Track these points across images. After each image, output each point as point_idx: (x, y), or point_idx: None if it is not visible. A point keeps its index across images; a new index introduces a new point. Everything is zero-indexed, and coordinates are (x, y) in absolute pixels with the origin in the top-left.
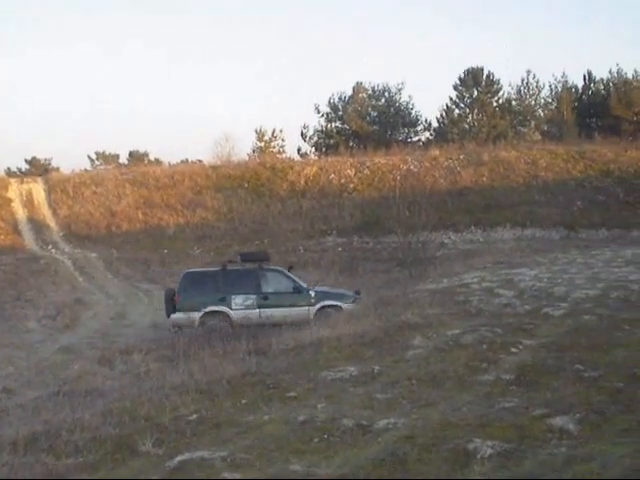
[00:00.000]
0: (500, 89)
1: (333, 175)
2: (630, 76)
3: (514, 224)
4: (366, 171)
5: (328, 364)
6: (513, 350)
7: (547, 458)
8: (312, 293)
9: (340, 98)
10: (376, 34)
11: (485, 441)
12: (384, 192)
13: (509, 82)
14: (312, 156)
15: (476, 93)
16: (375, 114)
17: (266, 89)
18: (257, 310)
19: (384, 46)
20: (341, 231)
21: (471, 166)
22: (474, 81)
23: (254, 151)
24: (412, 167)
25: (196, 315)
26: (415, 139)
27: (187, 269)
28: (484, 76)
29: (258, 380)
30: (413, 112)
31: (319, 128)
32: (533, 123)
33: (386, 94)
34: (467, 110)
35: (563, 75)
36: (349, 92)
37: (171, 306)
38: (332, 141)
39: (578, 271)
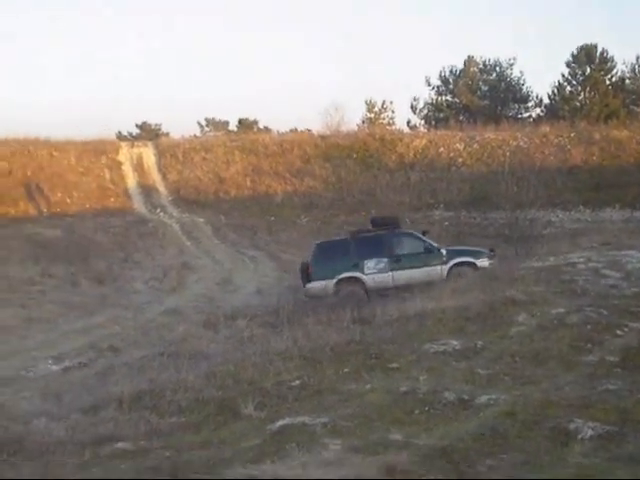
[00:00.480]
0: (614, 67)
1: (442, 148)
2: None
3: (623, 205)
4: (475, 146)
5: (431, 337)
6: (618, 332)
7: None
8: (444, 251)
9: (451, 71)
10: (488, 7)
11: (586, 422)
12: (493, 167)
13: (623, 60)
14: (421, 129)
15: (589, 70)
16: (486, 89)
17: (377, 60)
18: (390, 273)
19: (496, 20)
20: (448, 205)
21: (581, 144)
22: (587, 58)
23: (363, 122)
24: (522, 143)
25: (330, 283)
26: (525, 115)
27: (318, 241)
28: (598, 53)
29: (361, 349)
30: (524, 88)
31: (429, 101)
32: None
33: (497, 69)
34: (579, 88)
35: None
36: (460, 66)
37: (306, 277)
38: (442, 114)
39: None
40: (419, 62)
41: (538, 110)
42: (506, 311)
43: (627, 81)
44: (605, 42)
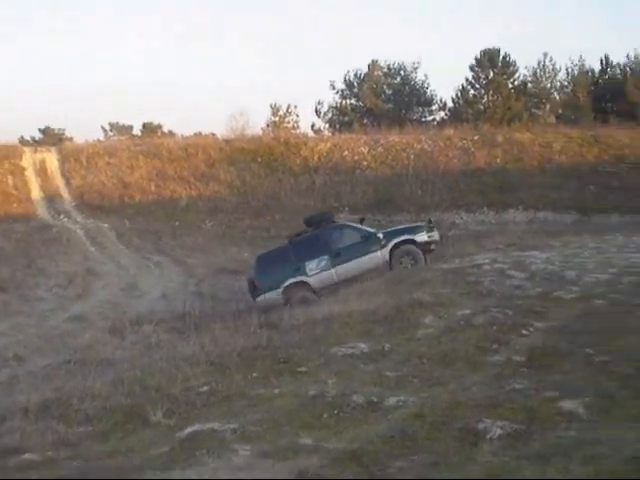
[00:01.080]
0: (516, 71)
1: (346, 152)
2: None
3: (527, 206)
4: (380, 149)
5: (339, 340)
6: (524, 332)
7: (555, 440)
8: (380, 236)
9: (355, 75)
10: (393, 11)
11: (495, 421)
12: (397, 170)
13: (525, 64)
14: (326, 132)
15: (492, 74)
16: (390, 92)
17: (281, 65)
18: (333, 270)
19: (401, 24)
20: (353, 208)
21: (485, 147)
22: (490, 62)
23: (268, 126)
24: (426, 146)
25: (277, 292)
26: (429, 118)
27: (258, 254)
28: (500, 57)
29: (269, 354)
30: (428, 91)
31: (334, 105)
32: (548, 106)
33: (402, 72)
34: (482, 91)
35: (580, 59)
36: (365, 69)
37: (254, 292)
38: (346, 118)
39: (590, 255)
40: (324, 66)
41: (442, 113)
42: (413, 313)
43: (529, 85)
44: (507, 47)
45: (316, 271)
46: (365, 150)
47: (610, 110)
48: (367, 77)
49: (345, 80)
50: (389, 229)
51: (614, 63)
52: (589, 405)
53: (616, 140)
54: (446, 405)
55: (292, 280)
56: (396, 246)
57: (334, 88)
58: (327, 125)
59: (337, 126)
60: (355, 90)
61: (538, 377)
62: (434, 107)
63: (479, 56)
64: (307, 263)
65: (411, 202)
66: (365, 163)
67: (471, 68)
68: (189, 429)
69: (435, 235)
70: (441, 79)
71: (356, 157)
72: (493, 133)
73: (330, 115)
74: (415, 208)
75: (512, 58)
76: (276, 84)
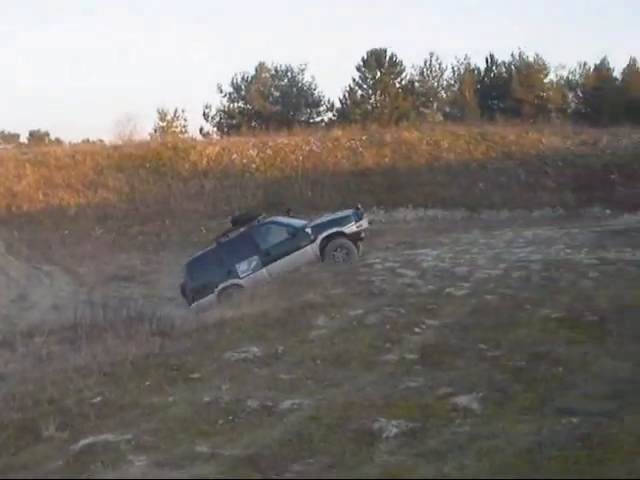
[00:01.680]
0: (403, 70)
1: (235, 155)
2: (531, 59)
3: (416, 205)
4: (268, 151)
5: (232, 345)
6: (416, 330)
7: (451, 436)
8: (308, 230)
9: (243, 78)
10: (279, 13)
11: (390, 420)
12: (287, 172)
13: (412, 64)
14: (214, 136)
15: (379, 74)
16: (278, 94)
17: (169, 68)
18: (264, 269)
19: (288, 25)
20: (243, 211)
21: (373, 147)
22: (377, 62)
23: (156, 131)
24: (314, 148)
25: (213, 297)
26: (318, 120)
27: (187, 260)
28: (387, 57)
29: (162, 362)
30: (316, 93)
31: (221, 108)
32: (436, 104)
33: (289, 74)
34: (370, 91)
35: (466, 57)
36: (252, 72)
37: (185, 297)
38: (234, 121)
39: (480, 251)
40: (211, 69)
41: (330, 114)
42: (305, 315)
43: (416, 84)
44: (394, 47)
45: (248, 272)
46: (254, 153)
47: (496, 107)
48: (254, 80)
49: (232, 83)
50: (317, 221)
51: (499, 61)
52: (483, 400)
53: (503, 137)
54: (341, 406)
55: (225, 284)
56: (326, 239)
57: (222, 91)
58: (215, 129)
59: (225, 129)
60: (243, 93)
61: (432, 374)
62: (322, 108)
63: (366, 57)
64: (238, 265)
65: (301, 203)
66: (254, 166)
67: (358, 69)
68: (83, 442)
69: (364, 223)
70: (329, 80)
71: (245, 160)
72: (381, 133)
73: (218, 119)
74: (305, 209)
75: (399, 58)
76: (163, 88)
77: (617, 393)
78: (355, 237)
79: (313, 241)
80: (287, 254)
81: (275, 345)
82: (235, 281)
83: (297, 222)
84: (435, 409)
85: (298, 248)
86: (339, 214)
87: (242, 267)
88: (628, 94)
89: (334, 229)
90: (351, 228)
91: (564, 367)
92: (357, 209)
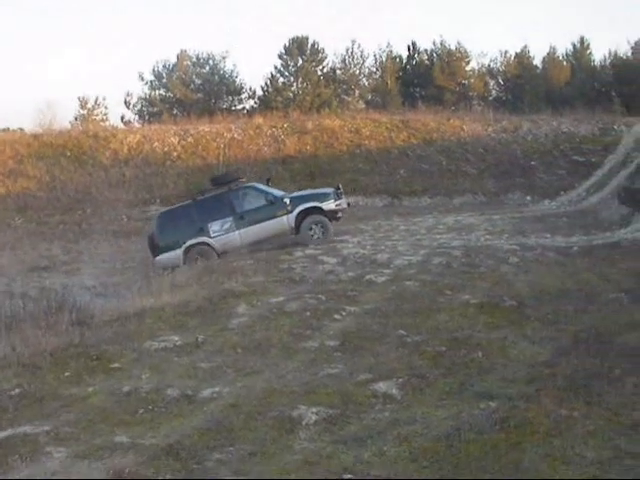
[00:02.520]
0: (325, 58)
1: (157, 143)
2: (453, 47)
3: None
4: (190, 139)
5: (152, 334)
6: (337, 317)
7: (371, 422)
8: (287, 200)
9: (164, 66)
10: (201, 1)
11: (310, 407)
12: (208, 160)
13: (334, 51)
14: (136, 124)
15: (301, 62)
16: (199, 82)
17: (90, 56)
18: (236, 232)
19: (209, 13)
20: (165, 200)
21: (295, 134)
22: (299, 50)
23: (77, 119)
24: (236, 135)
25: (179, 252)
26: (239, 107)
27: (161, 210)
28: (309, 45)
29: (81, 352)
30: (237, 80)
31: (143, 96)
32: (357, 92)
33: (210, 62)
34: (292, 79)
35: (388, 45)
36: (173, 60)
37: (151, 249)
38: (156, 109)
39: (401, 238)
40: (132, 58)
41: (252, 102)
42: (226, 303)
43: (338, 72)
44: (316, 34)
45: (219, 233)
46: (175, 141)
47: (418, 95)
48: (176, 67)
49: (154, 71)
50: (296, 193)
51: (421, 49)
52: (402, 385)
53: (424, 124)
54: (261, 394)
55: (195, 240)
56: (304, 213)
57: (143, 79)
58: (137, 117)
59: (147, 117)
60: (164, 81)
61: (352, 361)
62: (244, 96)
63: (288, 44)
64: (210, 224)
65: None
66: (175, 154)
67: (280, 56)
68: (1, 434)
69: (343, 203)
70: (251, 68)
71: (166, 148)
72: (303, 120)
73: (139, 107)
74: None
75: (321, 45)
76: (84, 76)
77: (534, 377)
78: (332, 215)
79: (290, 212)
80: (262, 221)
81: (195, 334)
82: (205, 239)
83: (276, 191)
84: (355, 395)
85: (274, 217)
86: (320, 190)
87: (214, 227)
88: (548, 82)
89: (313, 203)
90: (329, 205)
91: (483, 352)
92: (337, 188)
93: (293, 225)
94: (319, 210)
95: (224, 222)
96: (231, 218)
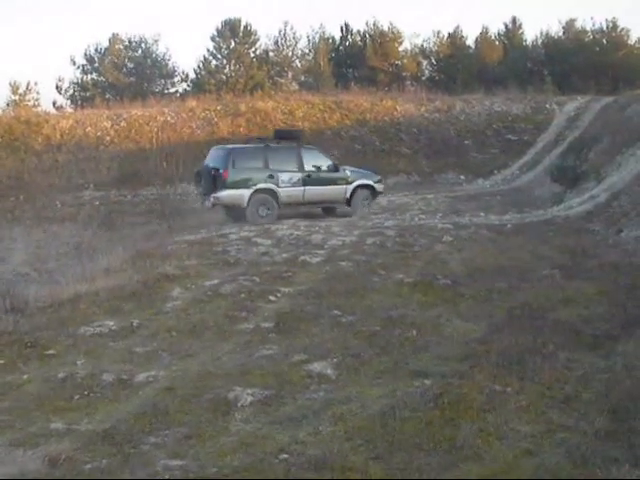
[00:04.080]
0: (257, 40)
1: (89, 128)
2: (386, 28)
3: None
4: (123, 123)
5: (87, 319)
6: (272, 298)
7: (306, 402)
8: (348, 172)
9: (96, 50)
10: None
11: (245, 389)
12: (141, 144)
13: (267, 33)
14: (68, 109)
15: (233, 44)
16: (132, 66)
17: (20, 41)
18: (302, 188)
19: None
20: (98, 185)
21: (228, 117)
22: (231, 32)
23: (8, 104)
24: (169, 118)
25: (246, 192)
26: (172, 90)
27: (229, 145)
28: (241, 27)
29: (16, 339)
30: (170, 63)
31: (75, 80)
32: (290, 74)
33: (143, 45)
34: (224, 61)
35: (320, 26)
36: (105, 44)
37: (211, 183)
38: (88, 93)
39: (335, 219)
40: (63, 41)
41: (185, 85)
42: (161, 287)
43: (271, 54)
44: (248, 16)
45: (287, 185)
46: (108, 125)
47: (351, 76)
48: (108, 51)
49: (86, 55)
50: (351, 168)
51: (354, 30)
52: (337, 365)
53: (357, 105)
54: (197, 377)
55: (264, 185)
56: (358, 187)
57: (75, 64)
58: (69, 102)
59: (79, 102)
60: (96, 65)
61: (287, 342)
62: (176, 79)
63: (220, 26)
64: (281, 174)
65: (157, 175)
66: (108, 138)
67: (212, 39)
68: None
69: (382, 187)
70: (183, 51)
71: (99, 133)
72: (236, 102)
73: (72, 91)
74: (161, 181)
75: (253, 27)
76: (15, 61)
77: (468, 354)
78: (376, 194)
79: (349, 183)
80: (325, 184)
81: (130, 318)
82: (273, 187)
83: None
84: (290, 376)
85: (335, 183)
86: (369, 170)
87: (284, 177)
88: (481, 62)
89: (367, 181)
90: (379, 186)
91: (417, 330)
92: (375, 172)
93: (349, 196)
94: (370, 187)
95: (293, 175)
96: (300, 174)
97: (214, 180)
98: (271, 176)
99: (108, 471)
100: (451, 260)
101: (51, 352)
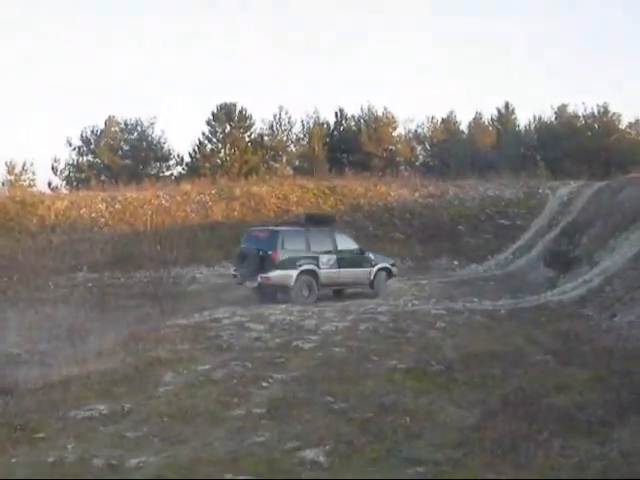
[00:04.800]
0: (253, 124)
1: (84, 209)
2: (380, 113)
3: None
4: (117, 205)
5: (78, 402)
6: (264, 384)
7: None
8: (371, 255)
9: (92, 132)
10: (130, 66)
11: (236, 476)
12: (136, 227)
13: (262, 117)
14: (63, 190)
15: (229, 128)
16: (127, 148)
17: (16, 121)
18: (338, 270)
19: (138, 78)
20: (92, 266)
21: (223, 201)
22: (227, 116)
23: (3, 184)
24: (164, 202)
25: (294, 273)
26: (167, 173)
27: (272, 227)
28: (237, 111)
29: (5, 422)
30: (165, 146)
31: (70, 162)
32: (285, 158)
33: (138, 128)
34: (219, 145)
35: (315, 111)
36: (101, 126)
37: (258, 264)
38: (84, 175)
39: (328, 304)
40: (60, 123)
41: (180, 168)
42: (153, 371)
43: (266, 138)
44: (244, 100)
45: (326, 267)
46: (103, 207)
47: (346, 161)
48: (104, 133)
49: (82, 137)
50: (371, 253)
51: (348, 115)
52: (330, 453)
53: (351, 190)
54: (187, 463)
55: (308, 267)
56: (379, 269)
57: (71, 145)
58: (64, 183)
59: (74, 183)
60: (92, 147)
61: (279, 428)
62: (171, 162)
63: (216, 110)
64: (321, 256)
65: (150, 258)
66: (103, 220)
67: (208, 123)
68: None
69: (396, 270)
70: (179, 134)
71: (94, 214)
72: (230, 187)
73: (67, 172)
74: (154, 264)
75: (249, 112)
76: (10, 141)
77: (462, 441)
78: (392, 276)
79: (373, 266)
80: (355, 266)
81: (122, 402)
82: (315, 268)
83: None
84: (282, 463)
85: (363, 266)
86: (384, 254)
87: (323, 259)
88: (474, 147)
89: (386, 264)
90: (394, 269)
91: (411, 417)
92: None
93: (372, 278)
94: (388, 270)
95: (330, 257)
96: (335, 256)
97: (262, 261)
98: (314, 258)
99: None
100: (444, 346)
101: (41, 435)
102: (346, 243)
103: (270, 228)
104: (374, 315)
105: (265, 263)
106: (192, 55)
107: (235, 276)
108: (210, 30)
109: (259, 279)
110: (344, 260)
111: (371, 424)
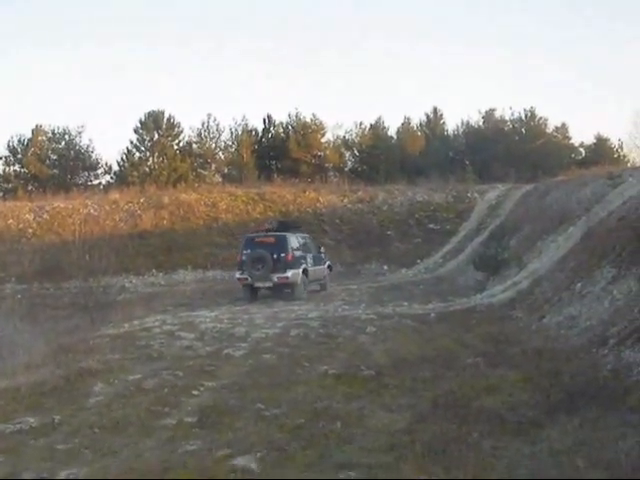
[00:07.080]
0: (181, 132)
1: (11, 220)
2: (308, 120)
3: (195, 266)
4: (45, 215)
5: (7, 416)
6: (195, 393)
7: None
8: (322, 254)
9: (19, 141)
10: (56, 75)
11: None
12: (64, 237)
13: (190, 125)
14: None
15: (157, 136)
16: (55, 157)
17: None
18: (314, 267)
19: (65, 88)
20: (20, 277)
21: (151, 209)
22: (155, 124)
23: None
24: (92, 211)
25: (299, 271)
26: (95, 182)
27: (279, 233)
28: (165, 119)
29: None
30: (93, 155)
31: None
32: (214, 166)
33: (66, 137)
34: (148, 153)
35: (243, 118)
36: (28, 135)
37: (271, 267)
38: (10, 185)
39: (258, 311)
40: None
41: (108, 177)
42: (83, 382)
43: (194, 145)
44: (172, 108)
45: (310, 265)
46: (31, 217)
47: (274, 168)
48: (31, 143)
49: (8, 146)
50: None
51: (277, 122)
52: (261, 459)
53: (280, 197)
54: (118, 474)
55: (305, 266)
56: (328, 266)
57: None
58: None
59: (1, 194)
60: (19, 156)
61: (210, 436)
62: (100, 171)
63: (144, 118)
64: (307, 256)
65: (79, 268)
66: (31, 231)
67: (135, 131)
68: None
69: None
70: (107, 143)
71: (21, 225)
72: (159, 195)
73: None
74: (83, 274)
75: (177, 120)
76: None
77: (394, 445)
78: (331, 270)
79: (325, 263)
80: (320, 264)
81: (52, 414)
82: (308, 267)
83: None
84: (214, 471)
85: (323, 264)
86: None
87: (308, 259)
88: (403, 152)
89: (328, 262)
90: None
91: (342, 422)
92: (323, 251)
93: (326, 274)
94: (330, 267)
95: (310, 257)
96: (311, 255)
97: (275, 263)
98: (304, 258)
99: None
100: (375, 351)
101: None
102: (312, 244)
103: (277, 234)
104: (305, 321)
105: (279, 264)
106: (120, 63)
107: (241, 279)
108: (138, 38)
109: (275, 279)
110: (314, 259)
111: (303, 430)
